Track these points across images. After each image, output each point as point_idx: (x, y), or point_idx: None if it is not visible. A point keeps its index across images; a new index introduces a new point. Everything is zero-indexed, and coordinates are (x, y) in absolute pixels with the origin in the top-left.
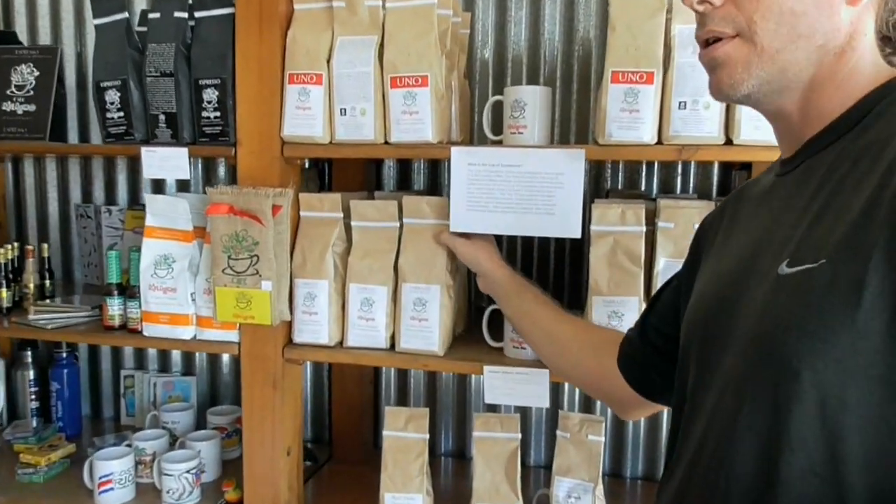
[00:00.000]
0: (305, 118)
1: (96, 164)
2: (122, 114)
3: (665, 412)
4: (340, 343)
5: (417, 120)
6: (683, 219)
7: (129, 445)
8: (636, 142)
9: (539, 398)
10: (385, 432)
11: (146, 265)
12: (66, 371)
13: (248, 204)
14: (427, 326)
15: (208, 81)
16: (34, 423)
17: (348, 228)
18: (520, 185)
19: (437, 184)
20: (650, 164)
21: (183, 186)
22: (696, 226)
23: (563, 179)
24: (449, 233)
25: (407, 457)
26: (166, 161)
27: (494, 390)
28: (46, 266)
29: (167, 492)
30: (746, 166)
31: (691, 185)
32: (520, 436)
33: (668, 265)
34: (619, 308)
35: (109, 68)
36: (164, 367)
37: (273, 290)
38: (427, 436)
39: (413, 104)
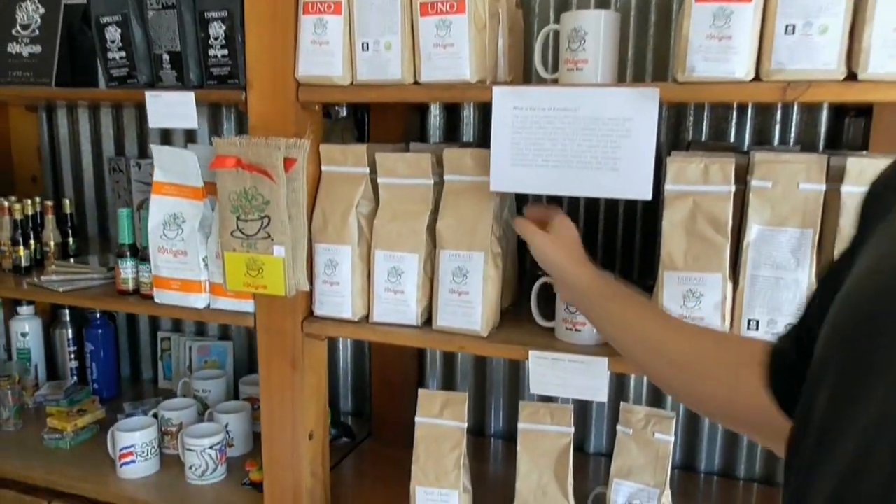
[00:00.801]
0: (323, 55)
1: (128, 115)
2: (123, 54)
3: None
4: (366, 318)
5: (452, 54)
6: (786, 176)
7: (155, 415)
8: (727, 78)
9: (595, 391)
10: (418, 419)
11: (154, 224)
12: (100, 332)
13: (258, 156)
14: (468, 301)
15: (215, 14)
16: (69, 384)
17: (376, 186)
18: (577, 135)
19: (489, 136)
20: (742, 109)
21: (191, 138)
22: (803, 185)
23: (632, 126)
24: (524, 219)
25: (441, 447)
26: (172, 108)
27: (542, 380)
28: (69, 223)
29: (190, 468)
30: (864, 111)
31: (792, 135)
32: (573, 430)
33: (762, 235)
34: (696, 287)
35: (109, 1)
36: (202, 330)
37: (287, 257)
38: (465, 424)
39: (447, 35)
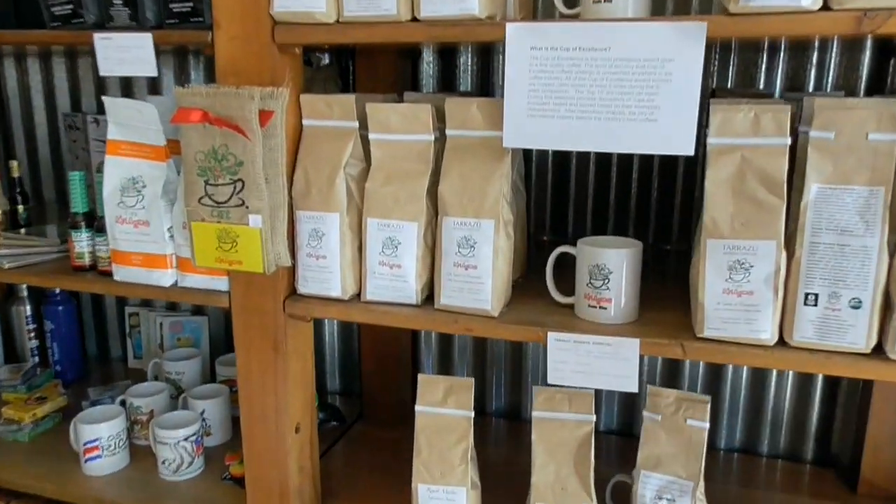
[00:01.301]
0: None
1: (84, 64)
2: None
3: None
4: (358, 296)
5: None
6: (851, 126)
7: (123, 403)
8: (790, 6)
9: (624, 380)
10: (419, 408)
11: (111, 190)
12: (60, 308)
13: (228, 108)
14: (476, 276)
15: None
16: (29, 367)
17: (366, 142)
18: (607, 80)
19: (488, 85)
20: (773, 52)
21: (157, 90)
22: (872, 136)
23: (673, 69)
24: None
25: (446, 439)
26: (126, 52)
27: (561, 367)
28: (18, 188)
29: (163, 462)
30: None
31: (829, 80)
32: (594, 417)
33: (822, 194)
34: (745, 257)
35: None
36: (174, 304)
37: (264, 227)
38: (472, 413)
39: None
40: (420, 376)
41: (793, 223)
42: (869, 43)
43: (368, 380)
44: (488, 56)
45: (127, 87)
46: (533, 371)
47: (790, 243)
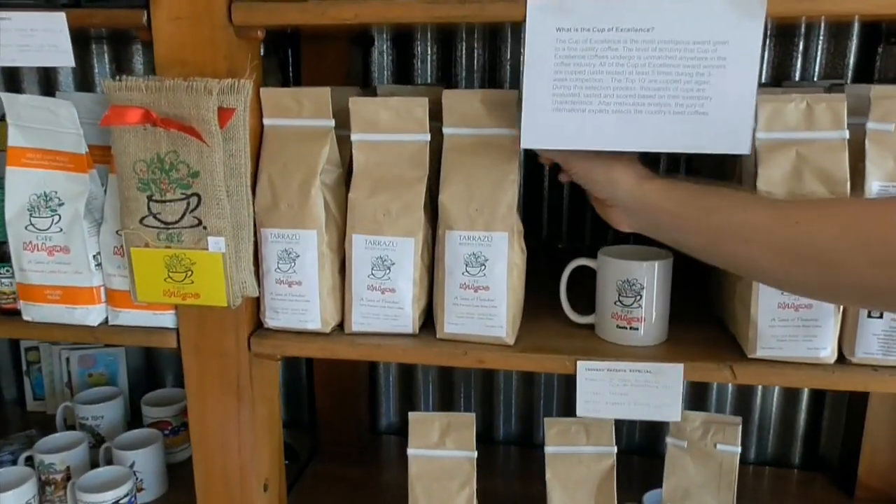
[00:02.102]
0: None
1: None
2: None
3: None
4: (340, 326)
5: None
6: None
7: (30, 460)
8: None
9: (667, 408)
10: (412, 451)
11: (16, 210)
12: None
13: (177, 106)
14: (488, 299)
15: None
16: None
17: (343, 144)
18: (649, 66)
19: (450, 76)
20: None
21: (85, 86)
22: None
23: (728, 53)
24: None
25: (447, 487)
26: (32, 36)
27: (592, 398)
28: None
29: None
30: None
31: (816, 68)
32: (615, 448)
33: (884, 193)
34: None
35: None
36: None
37: (229, 251)
38: (475, 453)
39: None
40: (411, 415)
41: None
42: (856, 29)
43: (324, 413)
44: (449, 43)
45: (48, 82)
46: (506, 388)
47: None
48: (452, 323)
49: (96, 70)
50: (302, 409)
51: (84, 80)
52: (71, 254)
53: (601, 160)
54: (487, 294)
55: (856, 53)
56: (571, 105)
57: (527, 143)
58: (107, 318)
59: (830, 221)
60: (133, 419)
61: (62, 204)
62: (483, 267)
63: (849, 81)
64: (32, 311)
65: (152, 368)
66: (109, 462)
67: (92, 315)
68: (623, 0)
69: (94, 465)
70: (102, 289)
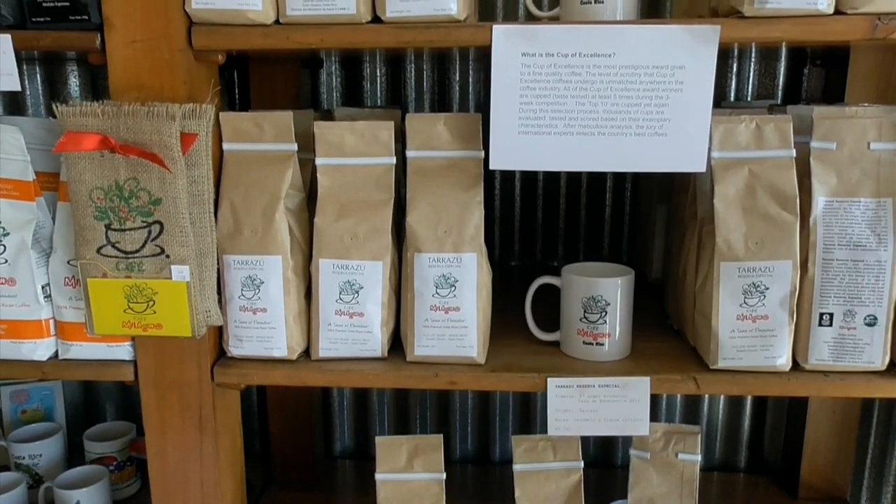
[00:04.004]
0: None
1: None
2: None
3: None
4: (307, 352)
5: None
6: (852, 135)
7: None
8: (806, 10)
9: (636, 422)
10: (380, 476)
11: None
12: None
13: (137, 132)
14: (459, 320)
15: None
16: None
17: (307, 169)
18: (611, 90)
19: (399, 98)
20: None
21: (15, 108)
22: (874, 145)
23: (685, 77)
24: None
25: None
26: None
27: (563, 416)
28: None
29: None
30: (828, 60)
31: (749, 89)
32: (582, 463)
33: (830, 208)
34: (761, 279)
35: None
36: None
37: (193, 279)
38: (444, 475)
39: None
40: (378, 439)
41: (804, 240)
42: (784, 52)
43: (278, 440)
44: (398, 65)
45: None
46: (461, 407)
47: (803, 261)
48: (423, 345)
49: (28, 92)
50: (253, 437)
51: (13, 103)
52: (17, 286)
53: None
54: (458, 315)
55: (785, 75)
56: (537, 128)
57: (495, 164)
58: (56, 351)
59: None
60: (73, 456)
61: (7, 234)
62: (453, 288)
63: (779, 101)
64: None
65: (91, 401)
66: (51, 503)
67: (40, 350)
68: (585, 27)
69: None
70: (52, 321)
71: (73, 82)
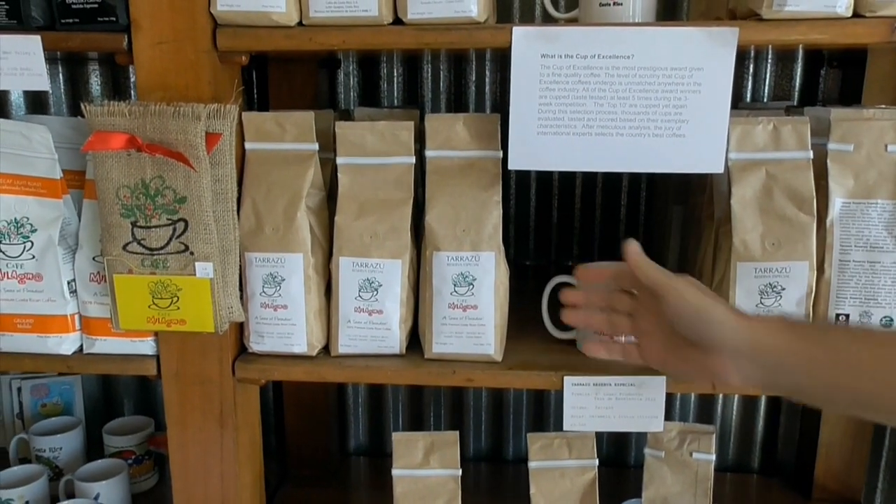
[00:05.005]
0: None
1: None
2: None
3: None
4: (326, 349)
5: None
6: (871, 137)
7: None
8: (825, 13)
9: (651, 420)
10: (396, 472)
11: None
12: None
13: (164, 131)
14: (477, 318)
15: None
16: None
17: (326, 168)
18: (630, 91)
19: (416, 98)
20: None
21: (38, 106)
22: (891, 147)
23: (703, 79)
24: (645, 259)
25: None
26: (3, 59)
27: (579, 413)
28: None
29: None
30: (845, 62)
31: (766, 90)
32: (597, 462)
33: (847, 210)
34: (778, 279)
35: None
36: None
37: (216, 276)
38: (459, 471)
39: None
40: (395, 435)
41: (820, 241)
42: (800, 53)
43: (293, 436)
44: (415, 65)
45: (3, 106)
46: (475, 405)
47: (820, 263)
48: (440, 343)
49: (50, 92)
50: (269, 434)
51: (35, 102)
52: (43, 281)
53: (692, 296)
54: (476, 313)
55: (801, 76)
56: (556, 129)
57: (514, 164)
58: (81, 346)
59: None
60: (91, 449)
61: (35, 230)
62: (471, 286)
63: (796, 102)
64: (1, 341)
65: (109, 396)
66: (71, 495)
67: (65, 344)
68: (604, 29)
69: (54, 499)
70: (77, 316)
71: (95, 81)
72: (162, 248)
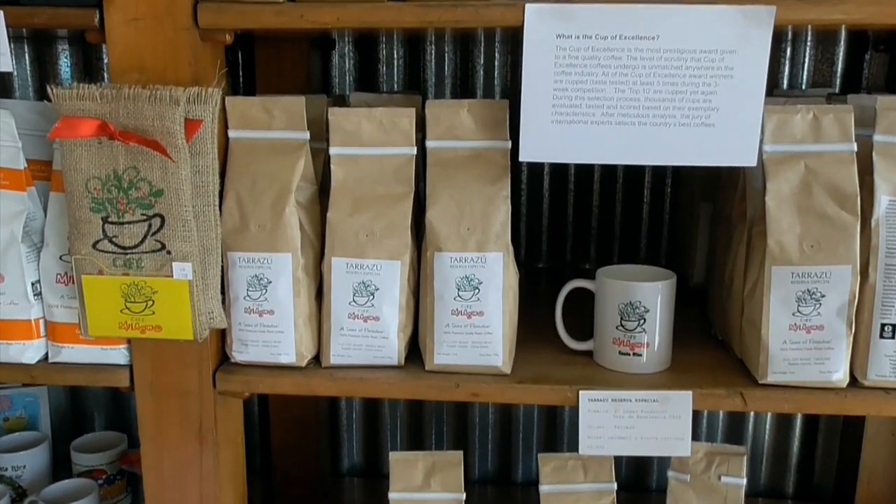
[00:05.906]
0: None
1: None
2: None
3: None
4: (316, 359)
5: None
6: None
7: None
8: None
9: (677, 442)
10: (394, 495)
11: None
12: None
13: (139, 117)
14: (483, 325)
15: None
16: None
17: (318, 159)
18: (655, 76)
19: (417, 82)
20: None
21: (1, 90)
22: None
23: (735, 62)
24: None
25: None
26: None
27: (596, 433)
28: None
29: None
30: (895, 42)
31: (804, 76)
32: (615, 485)
33: (893, 208)
34: (817, 285)
35: None
36: None
37: (195, 278)
38: (463, 495)
39: None
40: (392, 455)
41: (864, 243)
42: (843, 36)
43: (280, 454)
44: (417, 47)
45: None
46: (481, 422)
47: (864, 267)
48: (443, 353)
49: (16, 73)
50: (253, 451)
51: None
52: (5, 282)
53: None
54: (482, 320)
55: (843, 61)
56: (572, 116)
57: (525, 155)
58: (46, 354)
59: None
60: (58, 468)
61: None
62: (477, 291)
63: (837, 89)
64: None
65: (78, 409)
66: None
67: (29, 352)
68: (627, 6)
69: None
70: (42, 321)
71: (65, 62)
72: (136, 246)
